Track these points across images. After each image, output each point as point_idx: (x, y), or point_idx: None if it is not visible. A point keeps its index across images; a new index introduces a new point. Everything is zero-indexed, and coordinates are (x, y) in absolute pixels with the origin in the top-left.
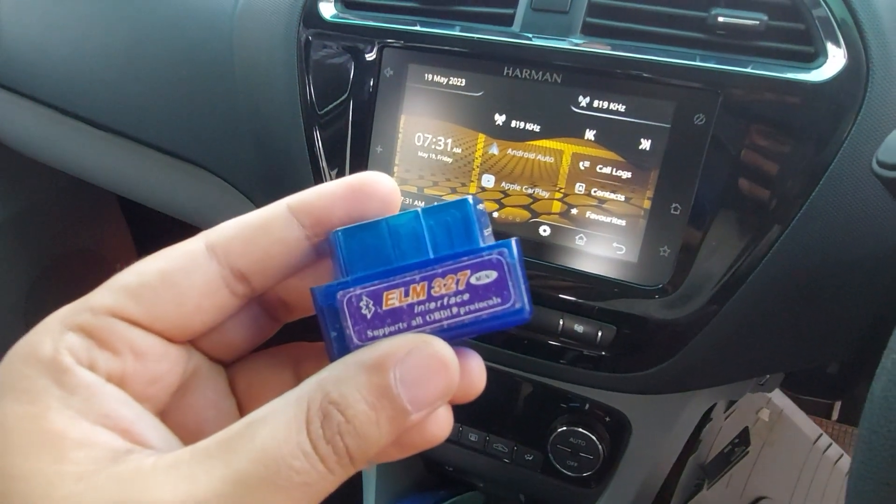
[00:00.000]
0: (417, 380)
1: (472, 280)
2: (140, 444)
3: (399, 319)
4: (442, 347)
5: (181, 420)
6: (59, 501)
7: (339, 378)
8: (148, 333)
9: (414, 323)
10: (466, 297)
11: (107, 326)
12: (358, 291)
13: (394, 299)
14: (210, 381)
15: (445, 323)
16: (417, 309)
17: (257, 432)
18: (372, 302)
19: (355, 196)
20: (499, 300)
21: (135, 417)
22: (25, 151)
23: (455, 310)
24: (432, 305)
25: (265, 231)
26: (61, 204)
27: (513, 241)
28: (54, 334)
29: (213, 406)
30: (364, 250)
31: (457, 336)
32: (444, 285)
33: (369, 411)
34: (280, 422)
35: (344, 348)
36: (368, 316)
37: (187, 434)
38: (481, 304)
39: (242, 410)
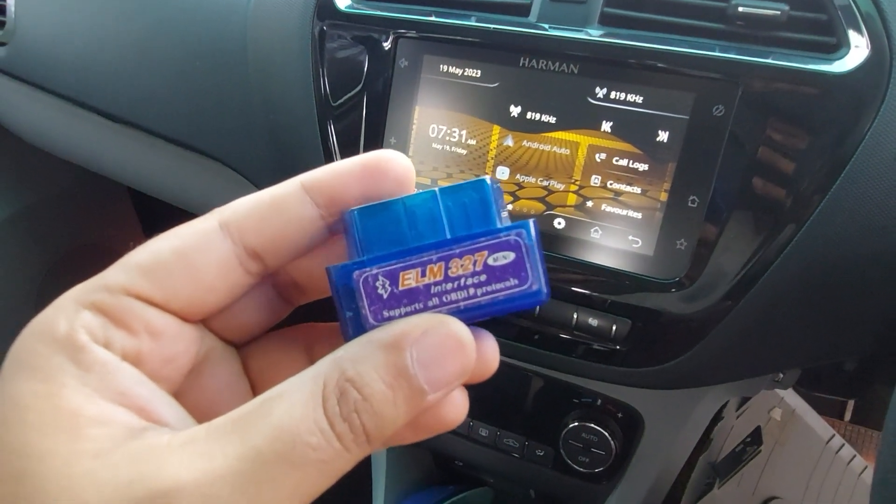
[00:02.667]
0: (434, 360)
1: (490, 261)
2: (155, 422)
3: (415, 300)
4: (459, 327)
5: (195, 401)
6: (74, 479)
7: (356, 357)
8: (163, 313)
9: (430, 303)
10: (483, 277)
11: (122, 305)
12: (374, 271)
13: (410, 279)
14: (224, 363)
15: (462, 304)
16: (434, 289)
17: (273, 409)
18: (388, 282)
19: (370, 174)
20: (516, 282)
21: (150, 396)
22: (38, 143)
23: (472, 290)
24: (449, 286)
25: (279, 210)
26: (73, 198)
27: (530, 222)
28: (69, 312)
29: (226, 387)
30: (380, 230)
31: (473, 317)
32: (462, 266)
33: (386, 390)
34: (296, 399)
35: (359, 328)
36: (384, 296)
37: (201, 415)
38: (498, 286)
39: (256, 392)
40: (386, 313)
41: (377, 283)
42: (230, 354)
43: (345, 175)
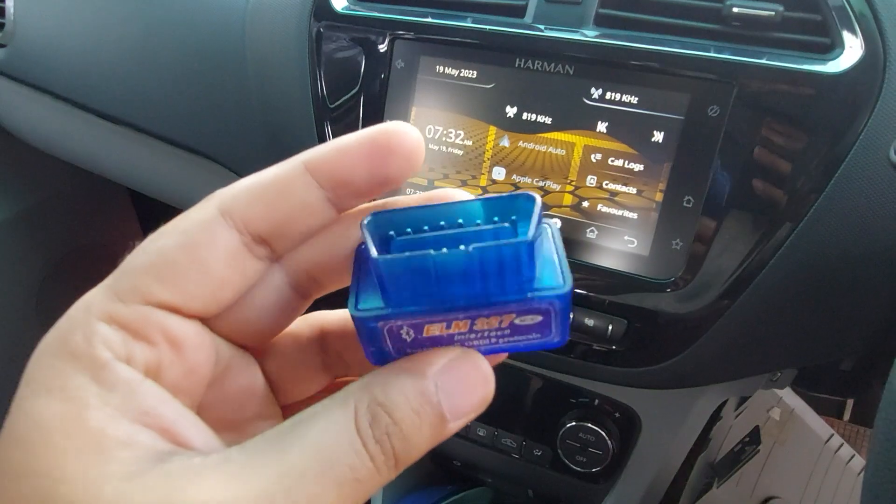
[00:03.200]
0: (457, 390)
1: (517, 321)
2: (181, 444)
3: (437, 343)
4: (482, 362)
5: (219, 411)
6: (105, 501)
7: (385, 383)
8: (182, 320)
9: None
10: (507, 332)
11: (140, 315)
12: (399, 323)
13: (435, 330)
14: (244, 369)
15: (483, 349)
16: (457, 338)
17: (308, 430)
18: (412, 330)
19: (378, 153)
20: (538, 335)
21: (174, 416)
22: (39, 145)
23: (494, 340)
24: (472, 336)
25: (284, 195)
26: (73, 199)
27: (567, 290)
28: (85, 326)
29: (249, 393)
30: (406, 280)
31: (490, 354)
32: (488, 322)
33: (414, 416)
34: (330, 421)
35: (384, 361)
36: (408, 340)
37: (227, 424)
38: (521, 338)
39: (277, 394)
40: (409, 351)
41: (402, 331)
42: (248, 360)
43: (351, 154)
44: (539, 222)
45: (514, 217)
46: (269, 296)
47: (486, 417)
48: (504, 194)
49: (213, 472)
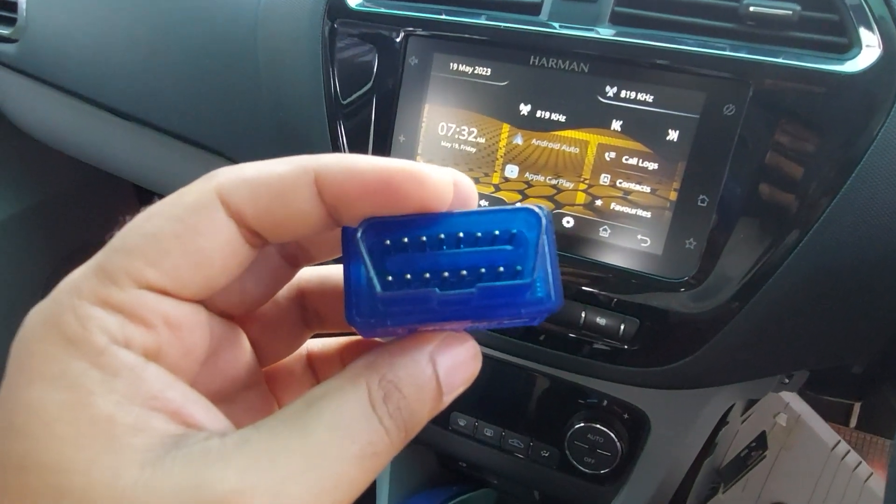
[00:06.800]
0: (454, 367)
1: (506, 322)
2: (190, 425)
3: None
4: (471, 340)
5: (212, 385)
6: (126, 490)
7: (391, 362)
8: (178, 302)
9: (445, 328)
10: (495, 324)
11: (136, 299)
12: (396, 328)
13: (429, 328)
14: (233, 341)
15: (469, 328)
16: (448, 328)
17: (324, 408)
18: (408, 329)
19: (388, 194)
20: (523, 323)
21: (182, 399)
22: (48, 141)
23: (482, 328)
24: (462, 328)
25: (284, 202)
26: (81, 196)
27: (556, 305)
28: (77, 310)
29: (239, 363)
30: (408, 307)
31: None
32: (478, 323)
33: (419, 391)
34: (345, 399)
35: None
36: (403, 333)
37: (219, 397)
38: (507, 324)
39: (257, 356)
40: (402, 335)
41: (398, 329)
42: (237, 331)
43: (362, 183)
44: (542, 250)
45: (514, 231)
46: (260, 269)
47: (493, 418)
48: (507, 207)
49: (235, 454)
